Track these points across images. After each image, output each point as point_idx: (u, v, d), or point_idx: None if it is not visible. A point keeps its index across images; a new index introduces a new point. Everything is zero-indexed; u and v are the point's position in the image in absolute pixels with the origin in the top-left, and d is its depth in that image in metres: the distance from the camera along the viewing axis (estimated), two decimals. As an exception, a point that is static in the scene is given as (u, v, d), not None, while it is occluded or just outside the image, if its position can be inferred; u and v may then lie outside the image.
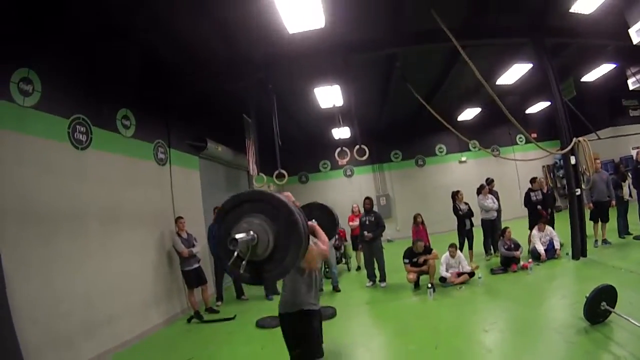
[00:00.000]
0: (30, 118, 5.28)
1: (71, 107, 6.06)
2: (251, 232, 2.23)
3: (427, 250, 8.23)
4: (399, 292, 8.11)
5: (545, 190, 9.98)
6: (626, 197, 9.68)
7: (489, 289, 7.53)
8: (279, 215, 2.33)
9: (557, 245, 8.79)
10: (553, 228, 9.21)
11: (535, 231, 9.02)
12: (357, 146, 9.50)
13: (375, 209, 9.63)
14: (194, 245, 7.97)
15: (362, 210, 9.53)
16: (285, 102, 11.03)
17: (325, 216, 3.92)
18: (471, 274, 7.93)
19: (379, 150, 17.50)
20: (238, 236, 2.15)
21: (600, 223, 9.11)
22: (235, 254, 2.20)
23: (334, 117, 11.57)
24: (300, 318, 3.23)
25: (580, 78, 12.59)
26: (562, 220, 9.42)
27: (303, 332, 3.23)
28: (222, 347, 6.17)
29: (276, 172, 8.99)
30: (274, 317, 6.73)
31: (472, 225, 9.69)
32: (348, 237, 11.71)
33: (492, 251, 9.89)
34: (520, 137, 18.14)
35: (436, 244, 9.08)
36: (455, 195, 9.95)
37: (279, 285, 3.77)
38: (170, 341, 6.79)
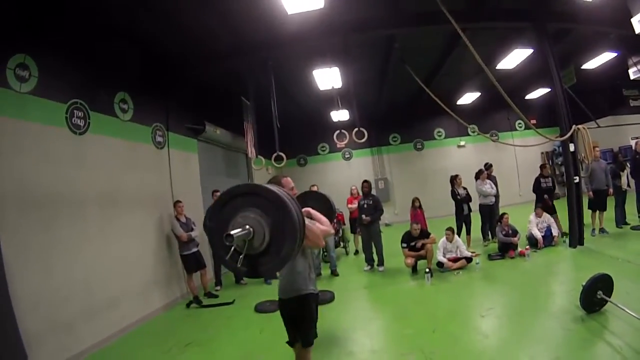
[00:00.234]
0: (27, 104, 5.23)
1: (68, 92, 5.99)
2: (247, 227, 2.24)
3: (424, 234, 8.27)
4: (396, 277, 8.18)
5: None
6: (624, 186, 9.72)
7: (486, 274, 7.58)
8: (273, 208, 2.32)
9: (554, 232, 8.83)
10: (556, 215, 9.25)
11: (532, 217, 9.06)
12: (356, 129, 9.47)
13: (373, 192, 9.64)
14: (192, 230, 7.96)
15: (361, 193, 9.52)
16: (284, 84, 10.95)
17: (321, 204, 3.90)
18: (469, 260, 7.98)
19: (377, 133, 17.51)
20: (234, 232, 2.16)
21: (598, 212, 9.15)
22: (232, 248, 2.21)
23: (332, 99, 11.52)
24: (298, 303, 3.31)
25: (581, 65, 12.49)
26: (560, 208, 9.42)
27: (301, 316, 3.32)
28: (221, 331, 6.22)
29: (274, 155, 8.95)
30: (273, 301, 6.83)
31: (470, 210, 9.73)
32: (347, 221, 11.73)
33: (490, 237, 9.93)
34: (519, 123, 18.08)
35: (434, 228, 9.11)
36: (454, 180, 9.96)
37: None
38: (169, 326, 6.83)
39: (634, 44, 10.25)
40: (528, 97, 16.62)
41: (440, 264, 7.96)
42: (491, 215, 9.81)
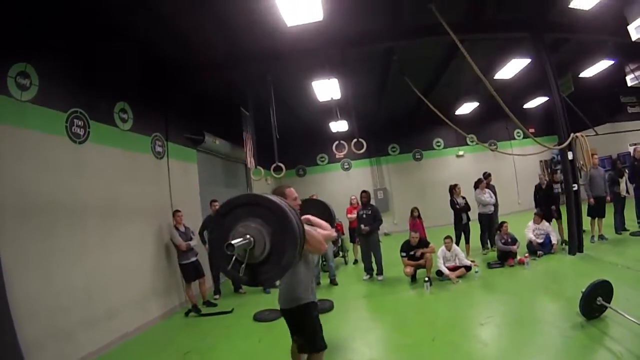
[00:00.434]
0: (27, 112, 5.25)
1: (69, 101, 6.02)
2: (247, 236, 2.26)
3: (423, 243, 8.26)
4: (396, 286, 8.16)
5: (544, 186, 10.04)
6: (623, 193, 9.72)
7: (486, 283, 7.57)
8: (273, 217, 2.35)
9: (553, 240, 8.83)
10: (561, 221, 9.27)
11: (530, 223, 9.08)
12: (355, 139, 9.50)
13: (372, 202, 9.65)
14: (191, 239, 7.96)
15: (360, 203, 9.53)
16: (283, 95, 11.00)
17: (321, 211, 3.92)
18: (468, 268, 7.96)
19: (376, 143, 17.49)
20: (235, 241, 2.19)
21: (597, 219, 9.16)
22: (234, 258, 2.23)
23: (331, 110, 11.54)
24: (299, 312, 3.34)
25: (579, 74, 12.55)
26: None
27: (304, 324, 3.36)
28: (220, 340, 6.18)
29: (274, 165, 8.98)
30: (272, 310, 6.83)
31: (468, 219, 9.74)
32: (346, 230, 11.72)
33: (489, 245, 9.93)
34: (518, 132, 18.10)
35: (433, 238, 9.08)
36: (453, 189, 9.99)
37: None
38: (168, 335, 6.80)
39: (630, 51, 10.33)
40: (526, 106, 16.68)
41: (439, 273, 7.95)
42: (490, 224, 9.81)
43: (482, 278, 7.80)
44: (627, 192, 10.08)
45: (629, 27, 7.57)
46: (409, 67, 10.42)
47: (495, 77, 11.26)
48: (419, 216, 10.31)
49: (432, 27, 7.41)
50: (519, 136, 18.18)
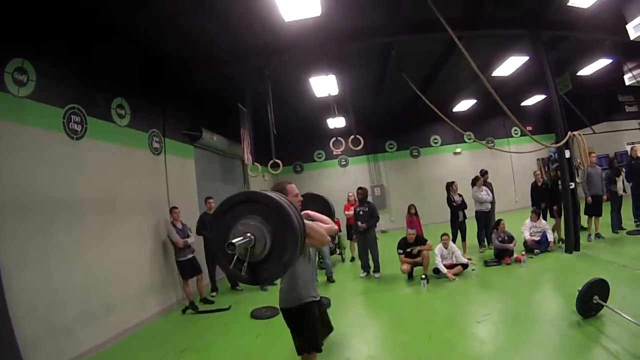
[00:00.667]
0: (25, 108, 5.23)
1: (66, 97, 5.99)
2: (248, 234, 2.25)
3: (420, 240, 8.28)
4: (392, 283, 8.17)
5: (540, 184, 10.06)
6: (620, 192, 9.75)
7: (483, 280, 7.59)
8: (273, 214, 2.34)
9: (550, 238, 8.85)
10: (560, 219, 9.30)
11: (527, 221, 9.11)
12: (352, 136, 9.50)
13: (369, 199, 9.63)
14: (189, 236, 7.95)
15: (357, 200, 9.52)
16: (280, 91, 10.97)
17: (320, 206, 3.90)
18: (465, 266, 7.98)
19: (374, 140, 17.40)
20: (235, 240, 2.18)
21: (594, 217, 9.18)
22: (235, 257, 2.21)
23: (329, 106, 11.55)
24: (300, 312, 3.31)
25: (577, 72, 12.58)
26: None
27: (305, 324, 3.33)
28: (217, 337, 6.18)
29: (271, 162, 8.97)
30: (269, 307, 6.84)
31: (465, 217, 9.75)
32: (343, 227, 11.71)
33: (486, 243, 9.95)
34: (515, 130, 18.13)
35: (430, 235, 9.11)
36: (450, 187, 9.99)
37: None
38: (165, 331, 6.80)
39: (629, 50, 10.35)
40: (524, 103, 16.71)
41: (436, 270, 7.96)
42: (487, 222, 9.82)
43: (479, 276, 7.82)
44: (624, 190, 10.10)
45: (627, 26, 7.58)
46: (406, 63, 10.42)
47: (493, 74, 11.28)
48: (415, 213, 10.31)
49: (431, 23, 7.37)
50: (516, 134, 18.20)
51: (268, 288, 8.31)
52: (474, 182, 10.02)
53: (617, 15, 7.92)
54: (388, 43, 9.41)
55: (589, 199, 9.09)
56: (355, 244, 10.14)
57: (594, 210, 9.14)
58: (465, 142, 17.42)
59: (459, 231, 9.70)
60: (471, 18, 8.52)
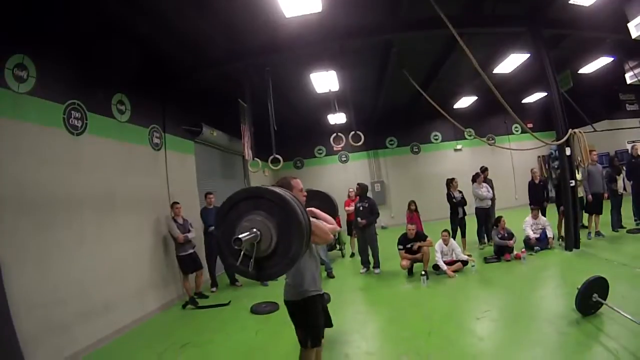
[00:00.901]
0: (25, 104, 5.22)
1: (66, 93, 5.98)
2: (254, 230, 2.25)
3: (421, 236, 8.29)
4: (392, 279, 8.19)
5: (537, 181, 10.05)
6: (620, 190, 9.74)
7: (482, 277, 7.61)
8: (277, 209, 2.34)
9: (549, 234, 8.86)
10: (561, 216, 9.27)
11: (528, 218, 9.12)
12: (353, 132, 9.48)
13: (369, 195, 9.63)
14: (189, 231, 7.96)
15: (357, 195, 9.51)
16: (281, 86, 10.92)
17: (323, 202, 3.91)
18: (464, 262, 7.99)
19: (374, 136, 17.35)
20: (241, 235, 2.18)
21: (594, 215, 9.19)
22: (242, 253, 2.22)
23: (329, 102, 11.50)
24: (304, 305, 3.35)
25: (578, 70, 12.54)
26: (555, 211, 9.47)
27: (307, 317, 3.36)
28: (217, 332, 6.19)
29: (271, 157, 8.97)
30: (269, 302, 6.86)
31: (464, 213, 9.75)
32: (343, 223, 11.72)
33: (486, 240, 9.96)
34: (516, 127, 18.09)
35: (430, 231, 9.09)
36: (450, 183, 9.98)
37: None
38: (165, 327, 6.81)
39: (630, 48, 10.30)
40: (525, 101, 16.66)
41: (436, 267, 7.97)
42: (487, 218, 9.83)
43: (479, 273, 7.84)
44: (625, 189, 10.10)
45: (629, 25, 7.54)
46: (407, 60, 10.38)
47: (494, 72, 11.22)
48: (416, 209, 10.31)
49: (432, 20, 7.32)
50: (517, 131, 18.16)
51: (268, 283, 8.31)
52: (474, 178, 10.03)
53: (618, 14, 7.88)
54: (389, 40, 9.36)
55: (589, 197, 9.08)
56: (356, 240, 10.14)
57: (594, 208, 9.14)
58: (465, 138, 17.41)
59: (458, 228, 9.71)
60: (472, 15, 8.49)
